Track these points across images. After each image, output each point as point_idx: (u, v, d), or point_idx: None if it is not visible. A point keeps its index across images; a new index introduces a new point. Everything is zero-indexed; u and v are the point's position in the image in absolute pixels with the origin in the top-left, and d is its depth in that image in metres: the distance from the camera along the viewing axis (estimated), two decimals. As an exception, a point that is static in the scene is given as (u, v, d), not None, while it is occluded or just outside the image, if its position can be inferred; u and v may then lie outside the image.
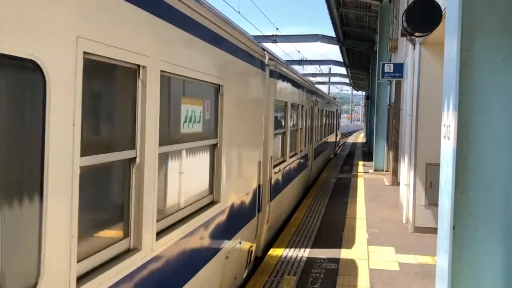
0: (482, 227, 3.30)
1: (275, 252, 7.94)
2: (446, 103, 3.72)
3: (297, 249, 8.08)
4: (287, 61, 37.54)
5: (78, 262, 2.38)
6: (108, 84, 2.98)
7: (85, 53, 2.34)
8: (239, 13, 19.81)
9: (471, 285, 3.35)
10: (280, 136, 9.18)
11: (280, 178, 8.63)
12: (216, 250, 4.75)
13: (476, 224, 3.31)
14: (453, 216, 3.36)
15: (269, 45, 29.19)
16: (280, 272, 6.91)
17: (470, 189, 3.32)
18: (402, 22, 6.63)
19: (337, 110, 29.42)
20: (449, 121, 3.58)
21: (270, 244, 8.55)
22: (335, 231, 9.41)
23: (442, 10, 6.32)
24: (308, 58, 40.16)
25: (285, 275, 6.80)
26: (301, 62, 40.17)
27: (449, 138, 3.56)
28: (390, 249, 8.29)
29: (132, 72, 3.01)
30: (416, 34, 6.94)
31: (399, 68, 12.88)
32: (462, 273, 3.35)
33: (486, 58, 3.33)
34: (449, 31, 3.73)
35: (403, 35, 8.82)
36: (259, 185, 6.70)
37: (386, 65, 13.29)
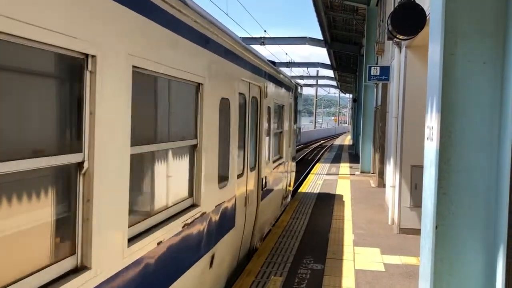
0: (464, 226, 3.37)
1: (261, 253, 7.96)
2: (429, 105, 3.79)
3: (284, 250, 8.12)
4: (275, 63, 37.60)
5: None
6: None
7: None
8: (227, 14, 19.83)
9: (453, 283, 3.41)
10: None
11: None
12: None
13: (458, 224, 3.37)
14: (435, 216, 3.43)
15: (257, 47, 29.30)
16: (266, 273, 6.93)
17: (452, 190, 3.39)
18: (387, 26, 6.72)
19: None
20: (432, 122, 3.65)
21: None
22: (321, 232, 9.47)
23: (427, 14, 6.42)
24: (292, 59, 40.21)
25: (272, 276, 6.83)
26: (289, 64, 40.32)
27: (432, 139, 3.62)
28: (376, 250, 8.36)
29: None
30: (401, 37, 7.04)
31: (385, 71, 13.01)
32: (444, 271, 3.41)
33: (468, 61, 3.41)
34: (433, 35, 3.80)
35: (389, 38, 8.92)
36: None
37: (372, 68, 13.43)
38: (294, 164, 13.21)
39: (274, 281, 6.62)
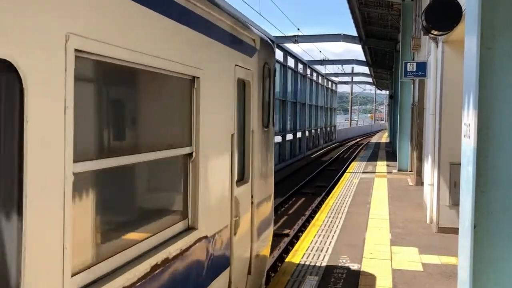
0: (503, 226, 3.27)
1: (297, 252, 7.96)
2: (466, 102, 3.70)
3: (320, 249, 8.08)
4: (309, 61, 37.43)
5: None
6: None
7: None
8: (260, 14, 19.89)
9: (493, 284, 3.32)
10: None
11: None
12: None
13: (497, 223, 3.28)
14: (474, 215, 3.35)
15: (290, 46, 29.20)
16: (302, 272, 6.93)
17: (490, 188, 3.30)
18: (422, 21, 6.59)
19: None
20: (469, 119, 3.57)
21: (293, 243, 8.58)
22: (358, 231, 9.38)
23: (463, 8, 6.25)
24: (325, 57, 39.78)
25: (307, 275, 6.82)
26: (323, 62, 40.02)
27: (469, 137, 3.54)
28: (414, 249, 8.22)
29: None
30: (436, 33, 6.88)
31: (422, 67, 12.75)
32: (484, 272, 3.33)
33: (506, 56, 3.31)
34: (469, 29, 3.71)
35: (425, 34, 8.74)
36: None
37: (408, 64, 13.18)
38: (269, 216, 5.99)
39: (310, 280, 6.61)
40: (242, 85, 4.92)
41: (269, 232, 6.06)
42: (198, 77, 3.64)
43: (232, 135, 4.45)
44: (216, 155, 4.14)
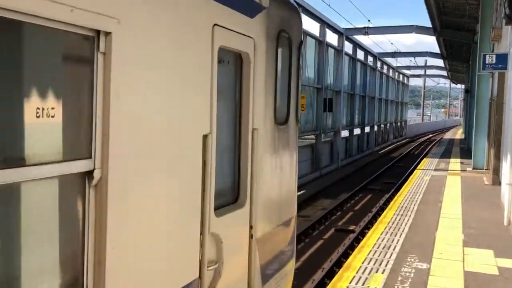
0: None
1: (363, 249, 7.82)
2: (553, 96, 3.43)
3: (387, 247, 7.88)
4: (380, 53, 36.39)
5: None
6: None
7: None
8: (329, 6, 19.62)
9: None
10: None
11: None
12: None
13: None
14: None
15: (360, 37, 28.52)
16: (367, 269, 6.79)
17: None
18: (505, 9, 6.18)
19: None
20: (556, 115, 3.31)
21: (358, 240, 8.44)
22: (428, 230, 9.04)
23: (552, -6, 5.79)
24: (397, 49, 38.32)
25: (373, 272, 6.68)
26: (394, 54, 38.76)
27: (555, 133, 3.29)
28: (488, 251, 7.79)
29: None
30: (521, 21, 6.42)
31: (502, 59, 12.03)
32: None
33: None
34: (558, 17, 3.43)
35: (507, 23, 8.21)
36: None
37: (487, 56, 12.51)
38: (287, 248, 4.31)
39: (375, 278, 6.47)
40: (233, 60, 3.24)
41: (289, 268, 4.30)
42: (108, 33, 1.97)
43: (205, 137, 2.74)
44: (161, 171, 2.39)
